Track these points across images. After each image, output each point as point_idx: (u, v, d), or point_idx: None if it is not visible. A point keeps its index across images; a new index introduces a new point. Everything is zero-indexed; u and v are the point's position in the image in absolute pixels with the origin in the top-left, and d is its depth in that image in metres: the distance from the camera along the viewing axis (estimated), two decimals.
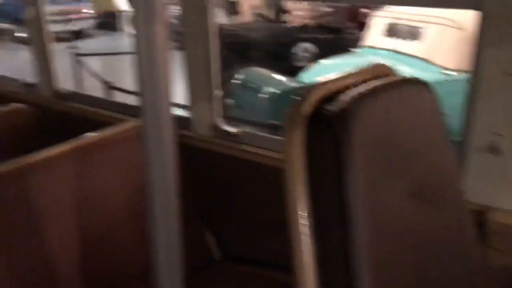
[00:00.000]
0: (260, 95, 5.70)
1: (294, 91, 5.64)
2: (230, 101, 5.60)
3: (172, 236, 0.92)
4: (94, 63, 7.29)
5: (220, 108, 1.90)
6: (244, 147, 1.80)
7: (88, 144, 1.66)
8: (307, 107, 0.89)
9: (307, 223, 0.88)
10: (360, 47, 6.99)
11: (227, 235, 1.92)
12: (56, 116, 2.37)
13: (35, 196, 1.47)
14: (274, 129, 4.88)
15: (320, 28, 10.34)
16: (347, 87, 0.95)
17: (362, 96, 0.92)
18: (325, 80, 0.96)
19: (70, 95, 2.40)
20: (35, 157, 1.53)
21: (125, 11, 15.03)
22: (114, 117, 2.15)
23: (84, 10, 14.29)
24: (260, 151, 1.76)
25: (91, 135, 1.69)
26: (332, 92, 0.93)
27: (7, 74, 2.88)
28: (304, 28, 10.43)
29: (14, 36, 13.48)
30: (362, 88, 0.95)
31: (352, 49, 7.35)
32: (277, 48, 9.57)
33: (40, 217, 1.47)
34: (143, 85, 0.84)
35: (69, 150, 1.59)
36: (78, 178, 1.57)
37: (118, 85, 5.90)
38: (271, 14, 12.45)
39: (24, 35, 13.31)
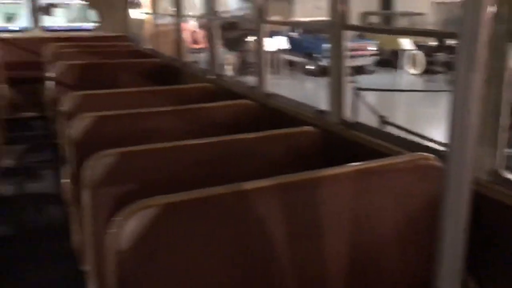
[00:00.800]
0: None
1: None
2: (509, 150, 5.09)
3: (455, 274, 0.95)
4: (369, 97, 7.65)
5: (503, 154, 1.83)
6: None
7: (368, 169, 1.82)
8: None
9: None
10: None
11: (490, 284, 1.82)
12: (339, 141, 2.63)
13: (317, 205, 1.70)
14: None
15: None
16: None
17: None
18: None
19: (354, 124, 2.65)
20: (321, 172, 1.77)
21: (408, 50, 15.24)
22: (390, 148, 2.28)
23: (369, 48, 15.15)
24: None
25: (371, 162, 1.86)
26: None
27: (297, 100, 3.32)
28: None
29: (305, 69, 15.23)
30: None
31: None
32: None
33: (318, 224, 1.69)
34: (454, 127, 0.88)
35: (351, 171, 1.79)
36: (355, 198, 1.75)
37: (390, 120, 6.08)
38: None
39: (313, 67, 14.85)
